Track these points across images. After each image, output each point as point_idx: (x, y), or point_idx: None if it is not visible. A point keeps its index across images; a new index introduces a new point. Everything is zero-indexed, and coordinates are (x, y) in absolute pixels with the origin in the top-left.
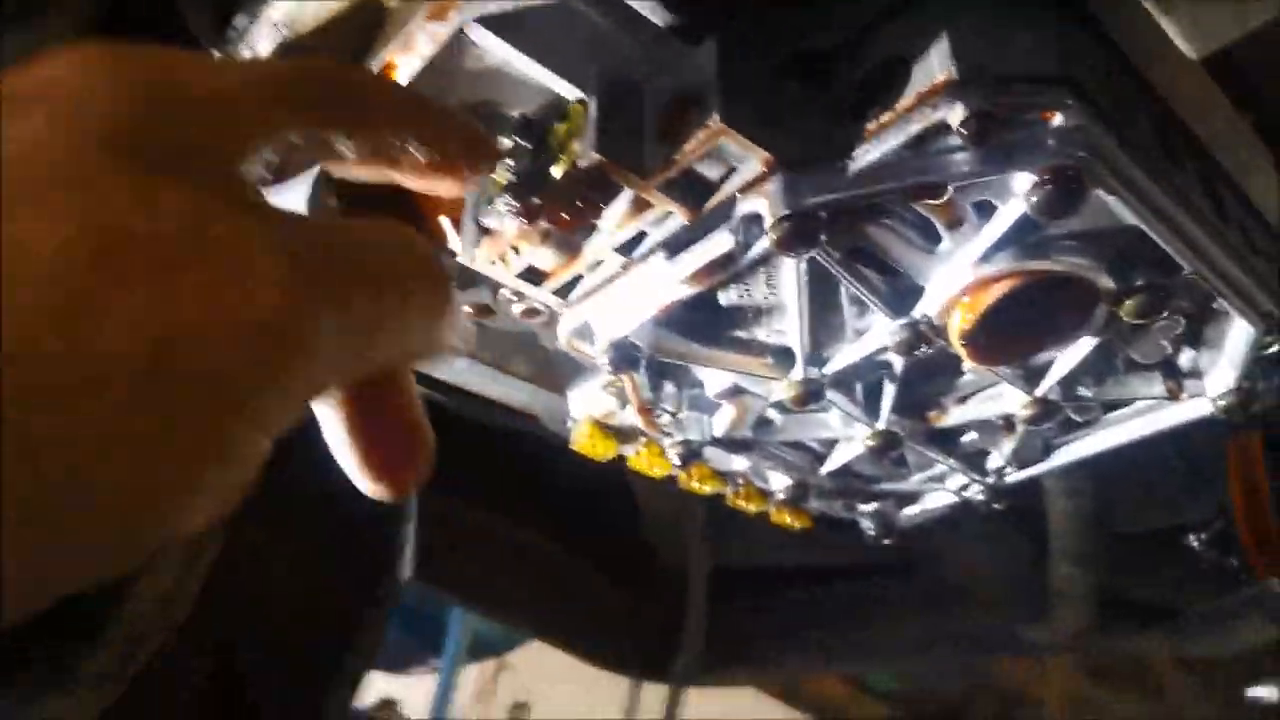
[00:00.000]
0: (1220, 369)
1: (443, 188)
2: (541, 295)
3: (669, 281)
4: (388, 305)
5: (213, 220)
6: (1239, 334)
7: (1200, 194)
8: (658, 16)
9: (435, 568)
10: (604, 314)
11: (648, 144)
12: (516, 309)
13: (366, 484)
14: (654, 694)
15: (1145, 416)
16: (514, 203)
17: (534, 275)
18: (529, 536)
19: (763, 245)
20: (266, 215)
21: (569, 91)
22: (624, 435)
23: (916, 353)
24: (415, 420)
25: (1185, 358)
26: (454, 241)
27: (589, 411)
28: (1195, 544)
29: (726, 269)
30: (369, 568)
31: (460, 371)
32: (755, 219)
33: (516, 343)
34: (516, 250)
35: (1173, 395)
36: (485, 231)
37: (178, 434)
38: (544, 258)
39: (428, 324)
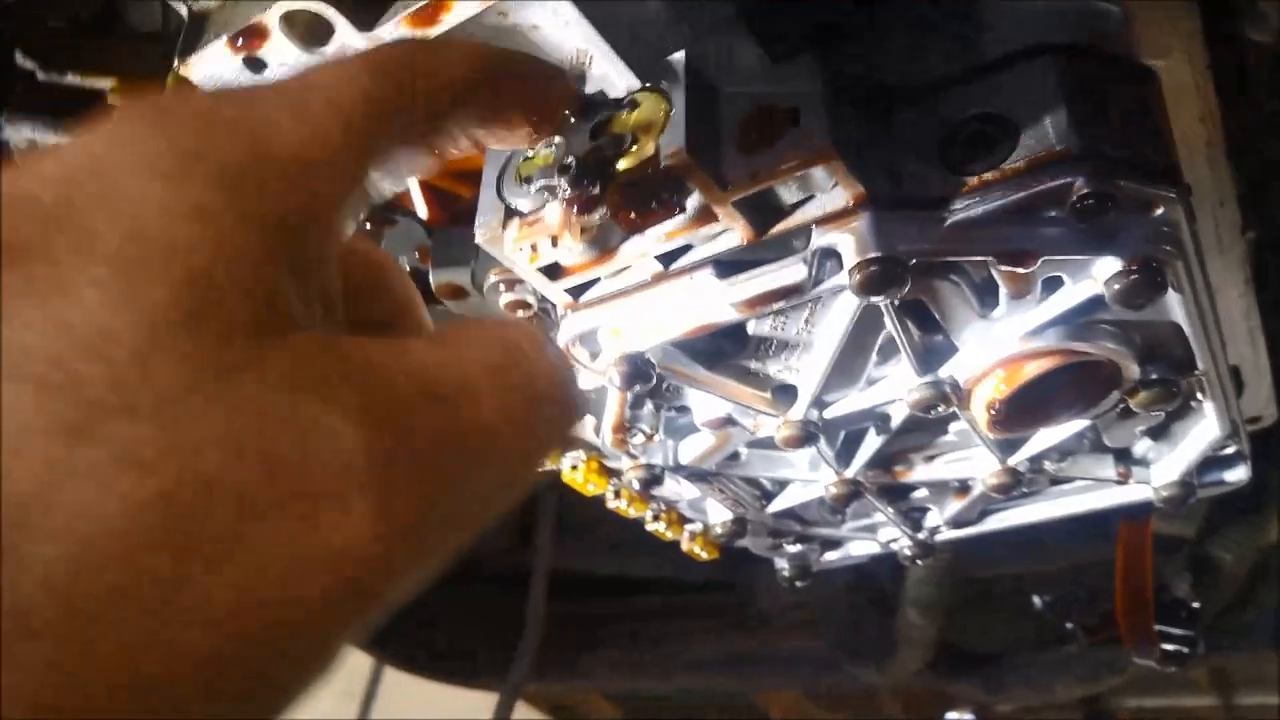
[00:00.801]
0: (1168, 461)
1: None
2: (554, 292)
3: (718, 302)
4: (498, 477)
5: (295, 447)
6: (1203, 433)
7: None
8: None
9: None
10: (624, 324)
11: (725, 153)
12: (504, 299)
13: None
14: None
15: (1085, 495)
16: (569, 190)
17: (553, 270)
18: None
19: (836, 283)
20: (343, 394)
21: (625, 78)
22: (570, 447)
23: (932, 412)
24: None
25: (1139, 446)
26: (419, 209)
27: None
28: (1037, 602)
29: (786, 300)
30: None
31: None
32: (831, 254)
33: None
34: (554, 241)
35: (1122, 480)
36: (512, 213)
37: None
38: (572, 253)
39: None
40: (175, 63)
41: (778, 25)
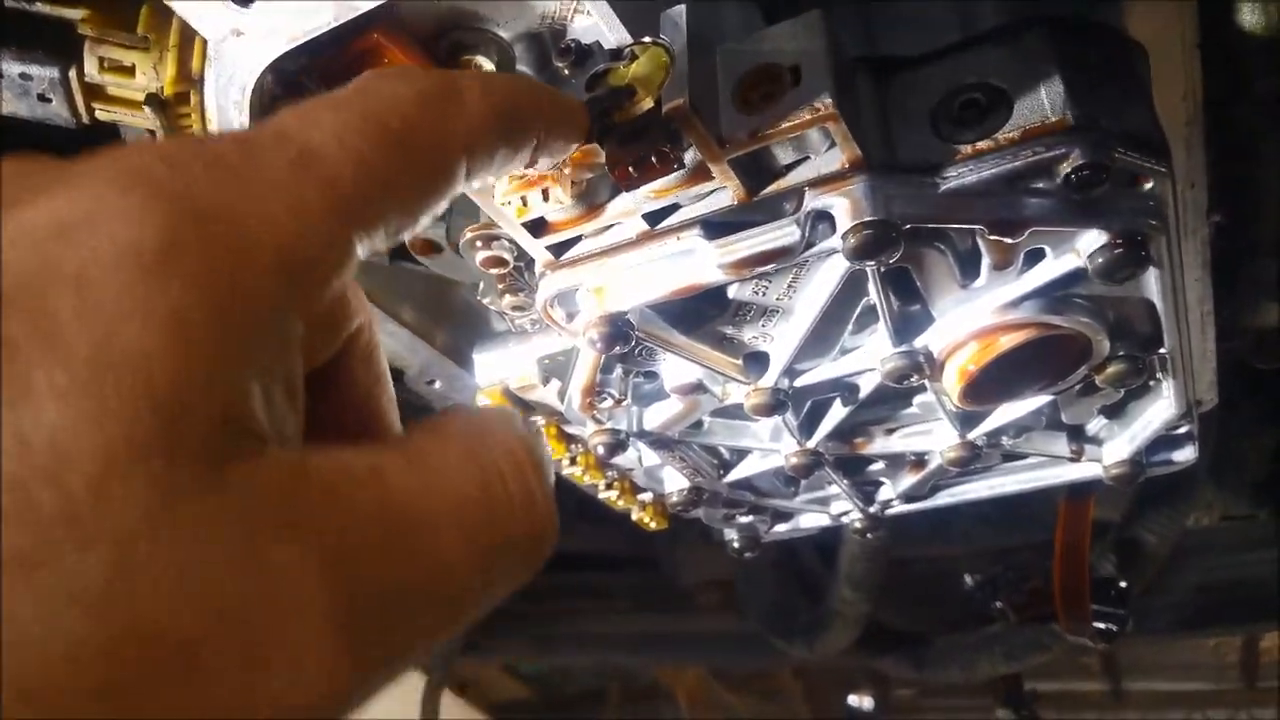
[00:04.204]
0: (1119, 440)
1: None
2: (536, 249)
3: (705, 264)
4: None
5: (252, 591)
6: (1158, 412)
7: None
8: None
9: None
10: (606, 283)
11: (724, 110)
12: (479, 255)
13: None
14: None
15: (1035, 471)
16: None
17: (536, 226)
18: None
19: (828, 246)
20: (310, 519)
21: (617, 31)
22: (530, 411)
23: (905, 382)
24: None
25: (1093, 425)
26: None
27: (502, 380)
28: (969, 581)
29: (776, 263)
30: None
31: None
32: (825, 217)
33: (413, 289)
34: (545, 195)
35: (1075, 457)
36: None
37: None
38: (559, 209)
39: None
40: None
41: None
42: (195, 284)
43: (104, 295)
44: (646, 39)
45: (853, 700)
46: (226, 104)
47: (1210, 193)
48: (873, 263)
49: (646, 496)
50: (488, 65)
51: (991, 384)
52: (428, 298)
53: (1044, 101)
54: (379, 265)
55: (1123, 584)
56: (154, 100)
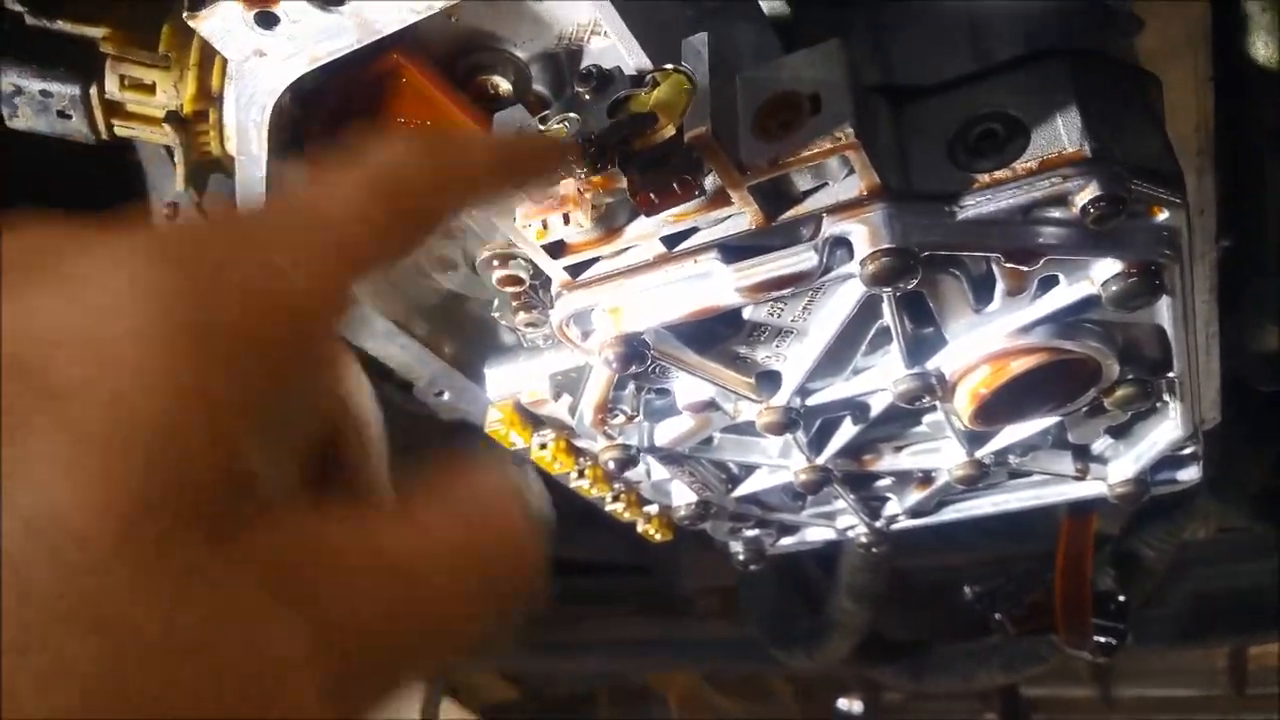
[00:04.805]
0: (1125, 460)
1: None
2: (554, 270)
3: (722, 287)
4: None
5: (246, 652)
6: (1164, 433)
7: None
8: (766, 4)
9: None
10: (623, 304)
11: (743, 138)
12: (496, 274)
13: None
14: None
15: (1040, 489)
16: (584, 169)
17: (555, 247)
18: None
19: (845, 272)
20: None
21: (637, 57)
22: (539, 426)
23: (916, 403)
24: None
25: (1099, 444)
26: None
27: (513, 394)
28: (969, 593)
29: (793, 287)
30: None
31: (349, 319)
32: (842, 243)
33: (425, 302)
34: (566, 219)
35: (1080, 476)
36: None
37: None
38: (579, 231)
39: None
40: (184, 15)
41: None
42: (212, 359)
43: (117, 372)
44: (668, 66)
45: (842, 704)
46: (246, 122)
47: (1218, 217)
48: (890, 289)
49: (652, 509)
50: (504, 85)
51: (1002, 406)
52: (439, 311)
53: (1061, 132)
54: (393, 279)
55: (1122, 598)
56: (173, 118)
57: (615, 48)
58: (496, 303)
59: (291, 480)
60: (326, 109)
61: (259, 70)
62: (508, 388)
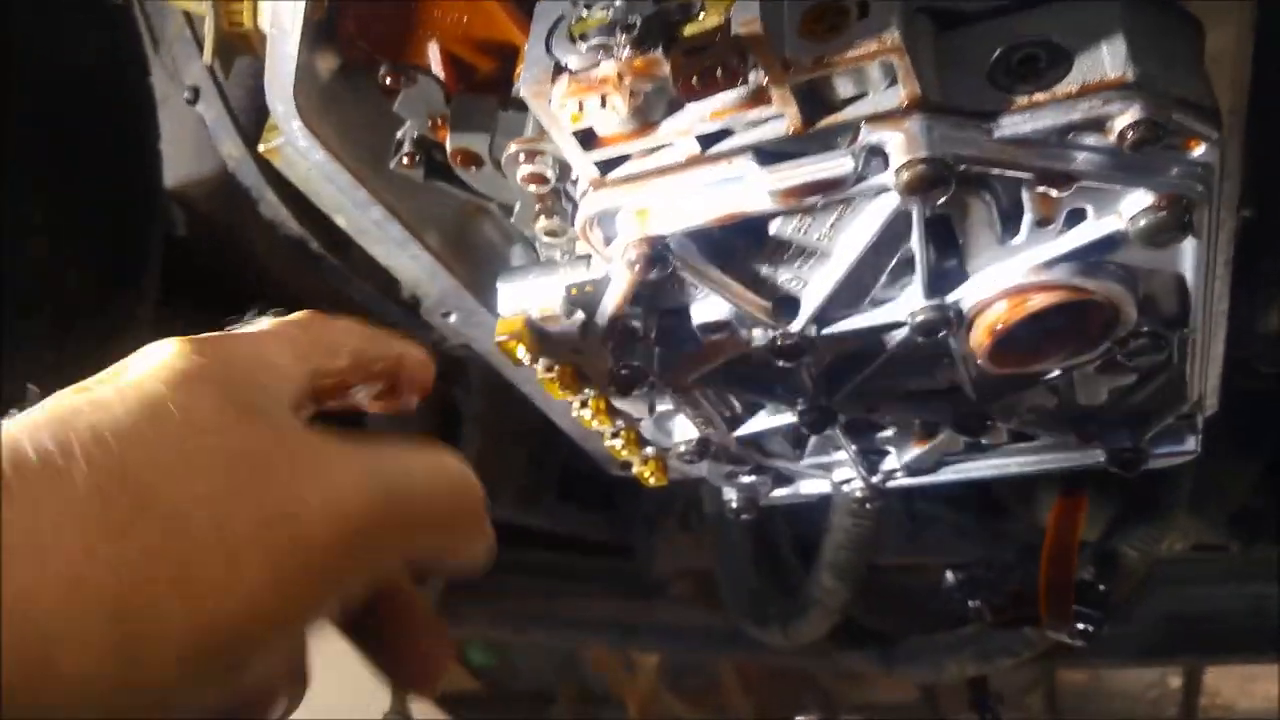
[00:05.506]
0: (1126, 427)
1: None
2: (584, 163)
3: (755, 190)
4: None
5: None
6: (1167, 400)
7: None
8: None
9: None
10: (652, 205)
11: (789, 35)
12: (522, 170)
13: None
14: None
15: (1040, 455)
16: (630, 49)
17: (586, 139)
18: None
19: (880, 182)
20: None
21: None
22: (548, 344)
23: (933, 336)
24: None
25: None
26: (436, 68)
27: (524, 309)
28: (950, 578)
29: (827, 193)
30: None
31: (363, 222)
32: (877, 153)
33: (442, 215)
34: (604, 101)
35: (1082, 441)
36: (561, 69)
37: None
38: (614, 120)
39: None
40: None
41: None
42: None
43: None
44: None
45: None
46: None
47: (1244, 184)
48: (922, 200)
49: (650, 450)
50: None
51: (1017, 345)
52: (454, 226)
53: (1104, 59)
54: (413, 182)
55: (1103, 588)
56: None
57: None
58: (518, 208)
59: None
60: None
61: None
62: (521, 303)
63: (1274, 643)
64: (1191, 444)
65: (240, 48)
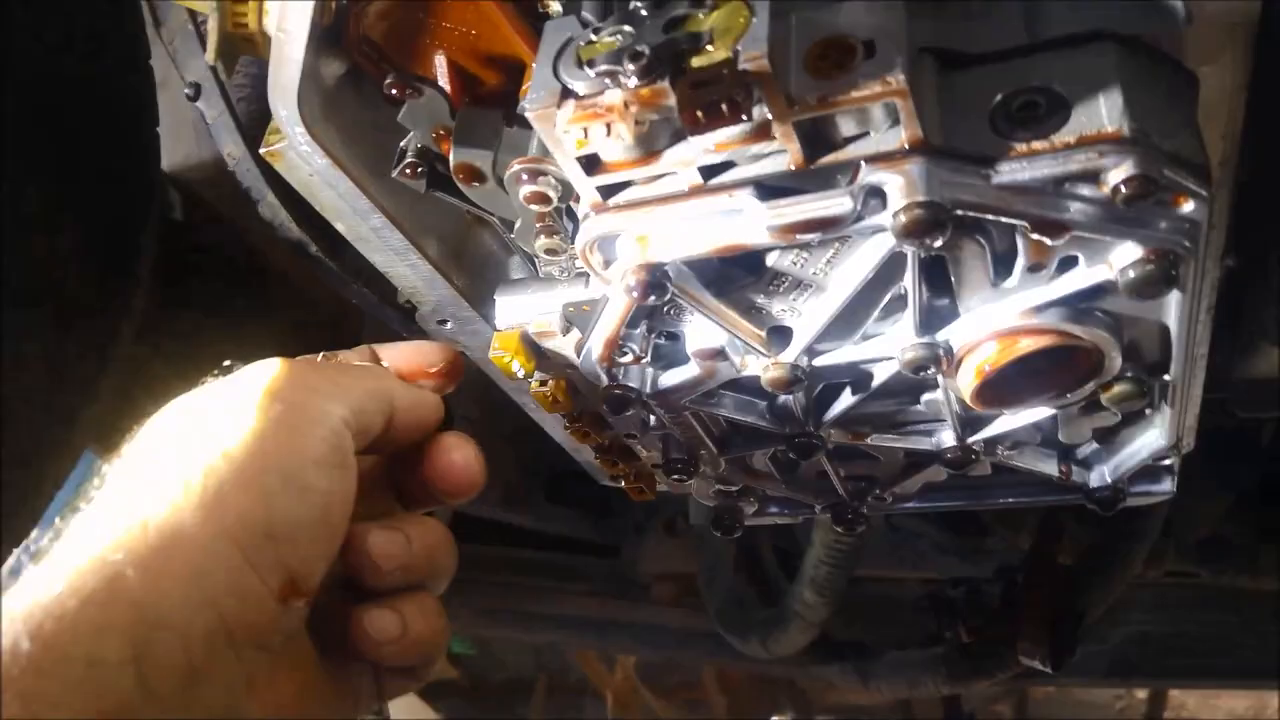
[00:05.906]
0: (1107, 465)
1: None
2: (587, 187)
3: (754, 224)
4: None
5: None
6: (1148, 441)
7: None
8: None
9: None
10: (652, 232)
11: (794, 72)
12: (524, 189)
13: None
14: None
15: (1021, 489)
16: (637, 78)
17: (590, 163)
18: None
19: (877, 222)
20: None
21: None
22: (543, 359)
23: (921, 373)
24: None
25: (1084, 448)
26: (442, 81)
27: (522, 323)
28: (927, 599)
29: (824, 231)
30: None
31: (363, 229)
32: (877, 193)
33: (441, 225)
34: (609, 129)
35: (1064, 478)
36: (568, 93)
37: None
38: (618, 147)
39: None
40: None
41: None
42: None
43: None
44: None
45: None
46: None
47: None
48: (918, 243)
49: (640, 465)
50: (555, 6)
51: (1004, 387)
52: (454, 236)
53: (1101, 111)
54: (414, 191)
55: (1079, 614)
56: None
57: None
58: (518, 225)
59: None
60: (374, 8)
61: None
62: (517, 316)
63: (1238, 668)
64: (1168, 484)
65: (244, 49)
